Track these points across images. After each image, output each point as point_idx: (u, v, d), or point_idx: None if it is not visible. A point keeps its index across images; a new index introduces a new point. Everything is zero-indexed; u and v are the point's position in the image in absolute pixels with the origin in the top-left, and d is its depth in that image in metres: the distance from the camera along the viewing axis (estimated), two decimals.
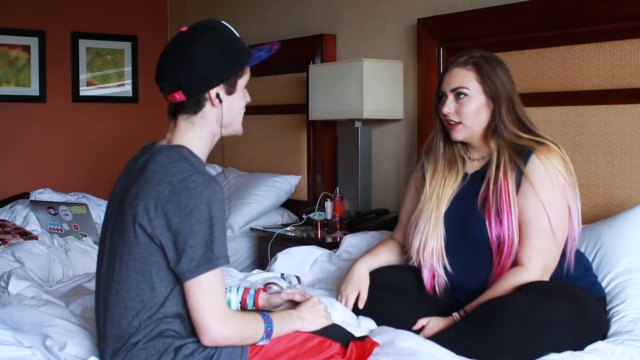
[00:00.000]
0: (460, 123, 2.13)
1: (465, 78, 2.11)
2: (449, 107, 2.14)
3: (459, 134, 2.15)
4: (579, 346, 1.88)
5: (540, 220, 2.01)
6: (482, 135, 2.15)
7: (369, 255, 2.31)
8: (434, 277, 2.13)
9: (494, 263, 2.05)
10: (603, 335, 2.01)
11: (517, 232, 2.03)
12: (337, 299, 2.20)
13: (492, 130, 2.12)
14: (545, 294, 1.90)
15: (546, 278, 2.03)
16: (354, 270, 2.24)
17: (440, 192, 2.16)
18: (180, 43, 1.66)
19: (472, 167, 2.20)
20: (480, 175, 2.14)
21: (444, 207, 2.15)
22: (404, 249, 2.31)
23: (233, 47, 1.67)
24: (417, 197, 2.26)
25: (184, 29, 1.68)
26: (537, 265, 2.01)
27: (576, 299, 1.92)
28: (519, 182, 2.05)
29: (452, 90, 2.13)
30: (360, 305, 2.16)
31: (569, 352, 1.85)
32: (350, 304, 2.17)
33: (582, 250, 2.28)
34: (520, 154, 2.06)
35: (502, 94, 2.10)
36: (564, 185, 2.04)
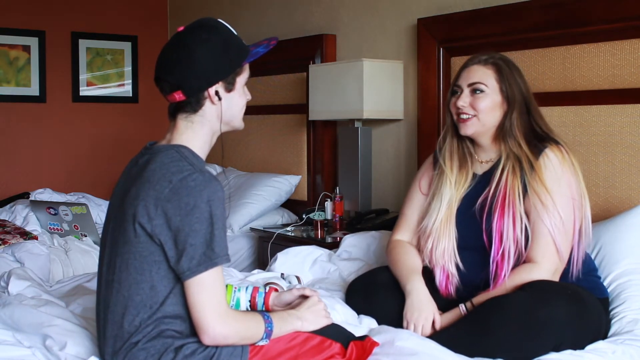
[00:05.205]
0: (473, 117, 2.13)
1: (484, 75, 2.14)
2: (464, 100, 2.14)
3: (469, 128, 2.14)
4: (579, 345, 1.88)
5: (552, 218, 2.01)
6: (492, 135, 2.16)
7: (417, 275, 2.15)
8: (448, 277, 2.13)
9: (494, 264, 2.05)
10: (604, 336, 2.01)
11: (518, 236, 2.03)
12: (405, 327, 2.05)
13: (502, 132, 2.13)
14: (546, 292, 1.90)
15: (557, 277, 2.03)
16: (417, 296, 2.09)
17: (452, 192, 2.16)
18: (178, 43, 1.66)
19: (480, 168, 2.20)
20: (488, 177, 2.15)
21: (455, 207, 2.15)
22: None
23: (231, 44, 1.67)
24: (423, 197, 2.27)
25: (181, 28, 1.68)
26: (550, 263, 2.02)
27: (577, 298, 1.92)
28: (524, 185, 2.05)
29: (470, 85, 2.14)
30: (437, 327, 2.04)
31: (569, 351, 1.86)
32: (427, 331, 2.03)
33: None
34: (533, 153, 2.06)
35: (517, 97, 2.12)
36: (571, 187, 2.05)
